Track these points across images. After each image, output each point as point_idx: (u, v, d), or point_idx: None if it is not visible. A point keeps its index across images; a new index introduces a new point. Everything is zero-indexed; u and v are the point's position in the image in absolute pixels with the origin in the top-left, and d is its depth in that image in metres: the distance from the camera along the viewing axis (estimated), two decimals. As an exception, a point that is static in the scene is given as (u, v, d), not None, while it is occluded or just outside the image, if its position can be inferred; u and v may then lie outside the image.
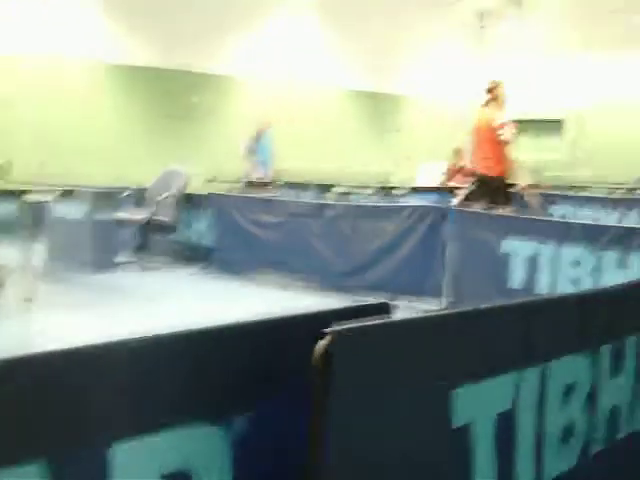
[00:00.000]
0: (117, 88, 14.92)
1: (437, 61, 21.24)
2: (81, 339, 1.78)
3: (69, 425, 1.63)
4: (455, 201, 11.30)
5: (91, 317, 6.81)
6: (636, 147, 18.84)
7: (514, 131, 7.85)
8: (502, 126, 7.94)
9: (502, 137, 7.86)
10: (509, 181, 8.01)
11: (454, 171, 13.09)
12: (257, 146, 13.63)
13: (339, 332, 1.82)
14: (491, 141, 7.97)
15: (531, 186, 8.74)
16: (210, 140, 16.13)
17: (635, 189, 13.03)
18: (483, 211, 7.64)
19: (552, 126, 20.83)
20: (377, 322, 1.98)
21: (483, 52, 22.34)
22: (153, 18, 15.18)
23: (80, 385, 1.66)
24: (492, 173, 7.97)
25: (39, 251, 8.84)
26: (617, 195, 12.22)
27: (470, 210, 7.84)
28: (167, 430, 1.79)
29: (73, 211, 9.03)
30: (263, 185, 12.33)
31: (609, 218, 10.05)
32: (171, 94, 15.54)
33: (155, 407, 1.78)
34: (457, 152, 13.25)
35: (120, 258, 9.41)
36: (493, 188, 7.99)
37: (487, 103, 8.20)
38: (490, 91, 8.18)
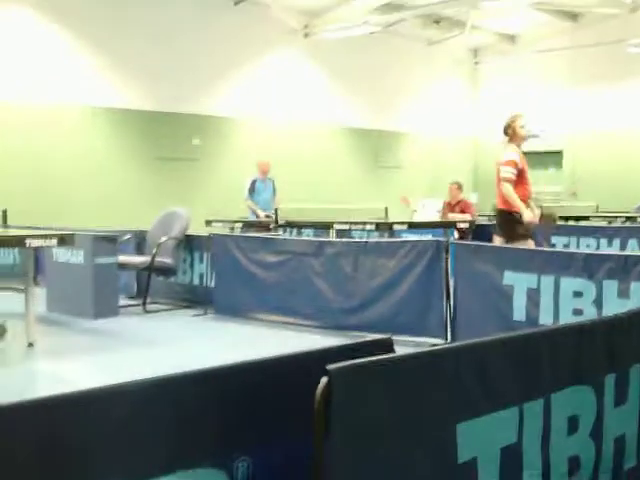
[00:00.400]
0: (117, 132, 15.00)
1: (433, 98, 21.37)
2: (82, 385, 1.78)
3: (71, 470, 1.63)
4: (456, 235, 11.34)
5: (93, 363, 6.80)
6: (633, 176, 18.91)
7: (512, 170, 7.90)
8: (504, 164, 7.98)
9: (500, 174, 7.96)
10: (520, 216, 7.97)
11: (450, 207, 13.13)
12: (258, 188, 13.71)
13: (340, 370, 1.83)
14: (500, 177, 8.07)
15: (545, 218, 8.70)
16: (211, 182, 16.20)
17: (635, 217, 13.05)
18: (483, 244, 7.64)
19: (551, 158, 20.92)
20: (378, 358, 1.98)
21: (478, 88, 22.50)
22: (152, 62, 15.31)
23: (82, 430, 1.66)
24: (503, 207, 8.03)
25: (40, 296, 8.83)
26: (617, 224, 12.24)
27: (470, 243, 7.85)
28: (169, 474, 1.78)
29: (73, 256, 9.04)
30: (263, 227, 12.36)
31: (610, 247, 10.07)
32: (172, 137, 15.63)
33: (156, 452, 1.78)
34: (454, 188, 13.29)
35: (121, 302, 9.40)
36: (506, 222, 8.02)
37: (507, 140, 8.25)
38: (506, 130, 8.23)
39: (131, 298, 10.10)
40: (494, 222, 8.74)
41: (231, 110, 16.75)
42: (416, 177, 20.44)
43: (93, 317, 8.73)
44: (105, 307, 8.90)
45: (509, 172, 7.91)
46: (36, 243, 7.02)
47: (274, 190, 13.90)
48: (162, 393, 1.84)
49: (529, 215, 7.95)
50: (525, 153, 8.14)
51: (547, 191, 20.04)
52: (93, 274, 8.87)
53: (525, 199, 8.03)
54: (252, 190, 13.64)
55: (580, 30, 19.72)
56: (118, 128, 15.01)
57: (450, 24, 19.51)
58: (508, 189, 7.86)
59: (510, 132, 8.15)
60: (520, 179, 8.00)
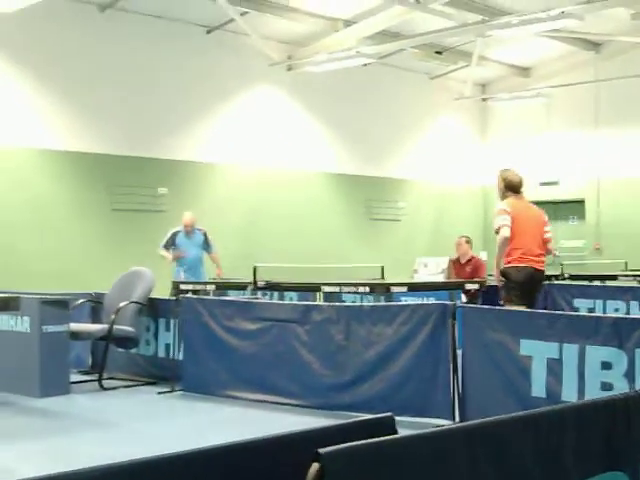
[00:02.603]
0: (69, 178, 15.00)
1: (435, 139, 21.52)
2: (24, 475, 1.77)
3: None
4: (463, 298, 11.37)
5: (38, 449, 6.72)
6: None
7: None
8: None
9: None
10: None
11: (458, 266, 13.14)
12: (179, 244, 13.71)
13: (334, 453, 1.83)
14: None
15: None
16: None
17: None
18: (496, 308, 7.66)
19: (572, 208, 21.04)
20: (378, 440, 1.98)
21: (487, 128, 22.70)
22: (108, 99, 15.41)
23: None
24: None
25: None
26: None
27: (481, 307, 7.87)
28: None
29: (17, 323, 8.99)
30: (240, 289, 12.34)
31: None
32: (134, 185, 15.62)
33: None
34: (463, 242, 13.36)
35: (73, 378, 9.33)
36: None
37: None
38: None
39: (85, 373, 10.03)
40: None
41: (202, 155, 16.82)
42: (416, 231, 20.53)
43: (39, 395, 8.65)
44: (54, 383, 8.83)
45: None
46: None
47: (207, 245, 13.90)
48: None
49: None
50: (542, 202, 8.45)
51: (567, 246, 20.15)
52: (40, 344, 8.81)
53: None
54: (170, 244, 13.68)
55: (603, 62, 19.97)
56: (70, 174, 15.03)
57: (454, 55, 19.76)
58: None
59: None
60: None
